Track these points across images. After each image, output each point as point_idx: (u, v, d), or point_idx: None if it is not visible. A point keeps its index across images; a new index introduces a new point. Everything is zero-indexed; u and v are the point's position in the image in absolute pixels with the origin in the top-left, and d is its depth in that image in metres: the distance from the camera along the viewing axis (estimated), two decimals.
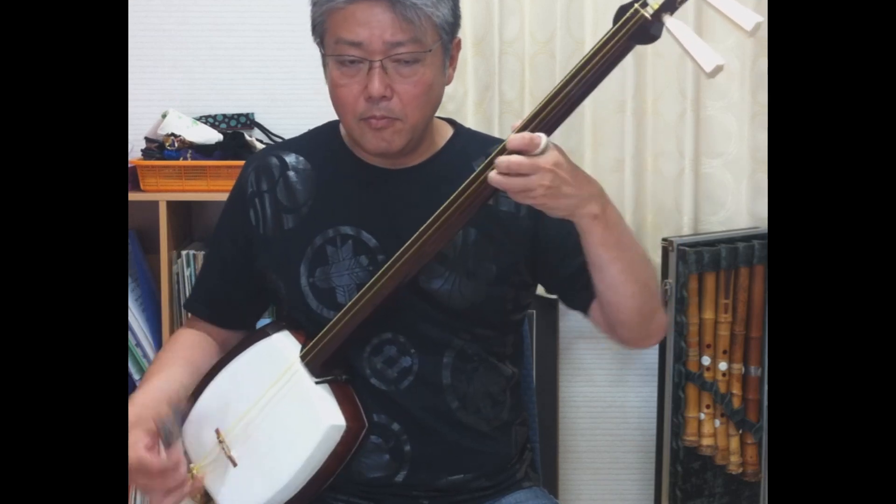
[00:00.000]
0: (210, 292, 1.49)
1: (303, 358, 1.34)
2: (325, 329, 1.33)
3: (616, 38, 1.14)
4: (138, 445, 1.24)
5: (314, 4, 1.30)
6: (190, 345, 1.47)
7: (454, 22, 1.31)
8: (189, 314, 1.53)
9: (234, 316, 1.51)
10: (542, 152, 1.15)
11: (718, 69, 1.10)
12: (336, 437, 1.32)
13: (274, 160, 1.42)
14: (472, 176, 1.23)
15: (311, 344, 1.34)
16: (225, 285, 1.47)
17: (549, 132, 1.19)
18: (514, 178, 1.15)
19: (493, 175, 1.16)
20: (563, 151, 1.18)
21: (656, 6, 1.12)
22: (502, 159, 1.15)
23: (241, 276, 1.45)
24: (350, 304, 1.31)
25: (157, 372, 1.40)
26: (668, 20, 1.13)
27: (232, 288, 1.47)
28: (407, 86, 1.27)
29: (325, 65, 1.33)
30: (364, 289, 1.30)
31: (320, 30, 1.31)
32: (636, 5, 1.13)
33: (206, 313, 1.49)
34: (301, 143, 1.45)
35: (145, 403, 1.31)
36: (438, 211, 1.24)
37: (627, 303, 1.28)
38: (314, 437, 1.31)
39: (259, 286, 1.46)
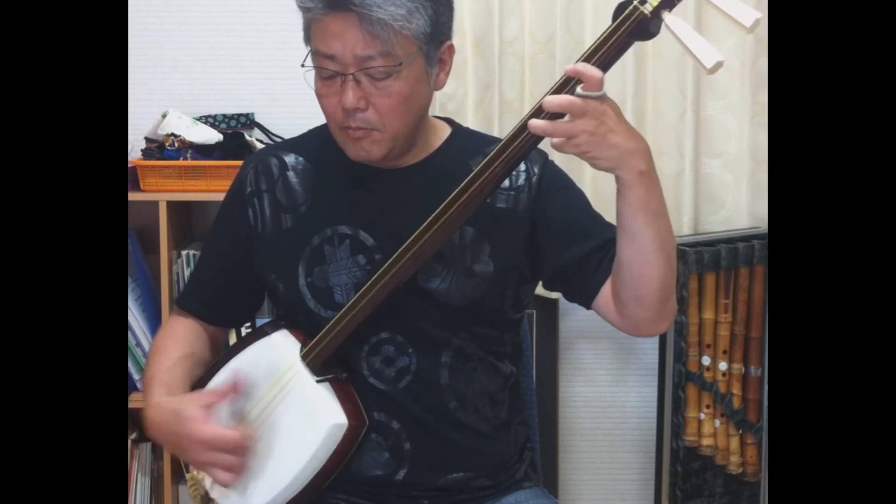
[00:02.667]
0: (206, 290, 1.48)
1: (303, 357, 1.34)
2: (325, 328, 1.33)
3: (615, 35, 1.14)
4: (204, 422, 1.28)
5: (302, 13, 1.31)
6: (191, 335, 1.47)
7: (433, 31, 1.29)
8: (178, 310, 1.52)
9: (227, 315, 1.51)
10: (599, 98, 1.14)
11: (718, 65, 1.10)
12: (338, 436, 1.32)
13: (273, 160, 1.42)
14: (472, 174, 1.22)
15: (312, 343, 1.34)
16: (222, 283, 1.47)
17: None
18: (557, 123, 1.13)
19: (534, 121, 1.15)
20: (614, 104, 1.17)
21: (655, 3, 1.12)
22: (551, 98, 1.13)
23: (239, 274, 1.45)
24: (351, 303, 1.31)
25: (168, 364, 1.41)
26: (667, 17, 1.13)
27: (229, 286, 1.47)
28: (382, 98, 1.27)
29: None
30: (365, 288, 1.30)
31: (307, 36, 1.32)
32: (635, 2, 1.13)
33: (201, 311, 1.48)
34: (300, 143, 1.46)
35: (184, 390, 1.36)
36: (439, 210, 1.24)
37: (653, 275, 1.25)
38: (317, 436, 1.31)
39: (255, 285, 1.46)
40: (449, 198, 1.24)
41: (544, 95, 1.16)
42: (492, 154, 1.21)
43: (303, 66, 1.31)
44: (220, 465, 1.29)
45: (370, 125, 1.28)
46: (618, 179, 1.20)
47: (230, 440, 1.28)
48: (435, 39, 1.30)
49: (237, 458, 1.29)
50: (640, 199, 1.20)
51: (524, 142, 1.20)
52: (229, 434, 1.29)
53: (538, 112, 1.16)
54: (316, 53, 1.28)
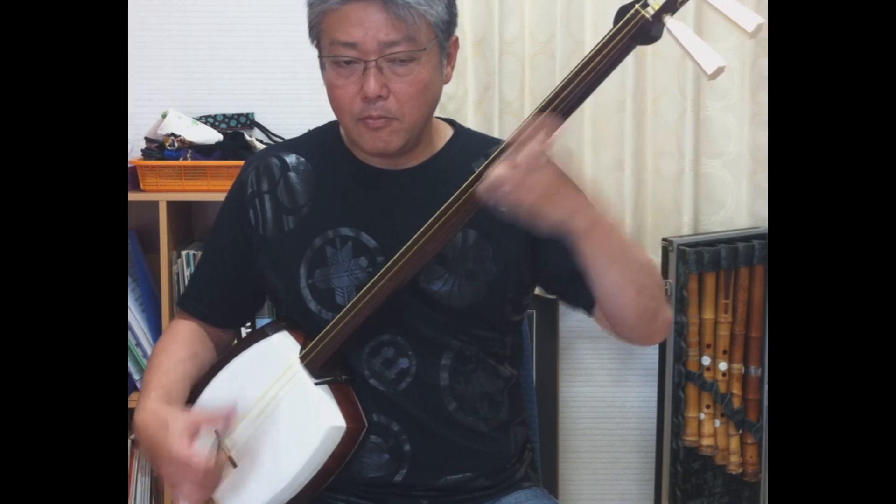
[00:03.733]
0: (207, 291, 1.48)
1: (302, 359, 1.34)
2: (324, 330, 1.32)
3: (617, 39, 1.14)
4: (184, 441, 1.27)
5: (309, 6, 1.31)
6: (193, 338, 1.47)
7: (450, 20, 1.31)
8: (180, 311, 1.52)
9: (229, 315, 1.51)
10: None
11: (720, 70, 1.10)
12: (336, 439, 1.32)
13: (275, 161, 1.42)
14: (473, 176, 1.22)
15: (311, 345, 1.34)
16: (223, 284, 1.47)
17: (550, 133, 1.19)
18: (515, 173, 1.13)
19: (481, 187, 1.15)
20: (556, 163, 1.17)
21: (657, 7, 1.12)
22: (486, 188, 1.14)
23: (240, 274, 1.45)
24: (350, 304, 1.31)
25: (169, 365, 1.41)
26: (669, 21, 1.12)
27: (230, 287, 1.47)
28: (403, 85, 1.27)
29: (322, 66, 1.33)
30: (364, 289, 1.30)
31: (316, 31, 1.31)
32: (637, 6, 1.13)
33: (201, 312, 1.48)
34: (301, 144, 1.45)
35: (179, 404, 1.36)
36: (438, 212, 1.24)
37: (628, 305, 1.27)
38: (314, 439, 1.31)
39: (256, 286, 1.46)
40: (449, 200, 1.24)
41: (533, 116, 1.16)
42: (491, 157, 1.21)
43: (320, 57, 1.31)
44: (186, 483, 1.29)
45: (390, 114, 1.28)
46: (570, 232, 1.20)
47: (196, 469, 1.27)
48: (449, 29, 1.31)
49: (199, 475, 1.28)
50: (595, 247, 1.21)
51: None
52: (198, 462, 1.27)
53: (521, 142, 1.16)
54: (333, 43, 1.27)
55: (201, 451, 1.27)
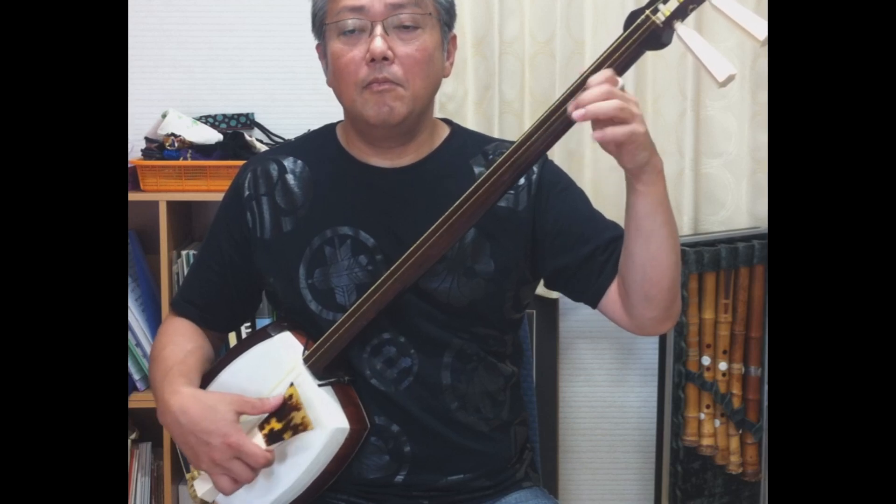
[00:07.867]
0: (202, 294, 1.47)
1: (306, 360, 1.34)
2: (328, 332, 1.32)
3: (627, 45, 1.14)
4: (238, 427, 1.28)
5: None
6: (195, 332, 1.46)
7: (450, 5, 1.34)
8: (173, 314, 1.50)
9: (224, 318, 1.50)
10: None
11: (730, 78, 1.10)
12: (340, 440, 1.32)
13: (272, 164, 1.42)
14: (481, 179, 1.22)
15: (315, 346, 1.33)
16: (219, 286, 1.46)
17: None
18: (615, 104, 1.12)
19: (579, 109, 1.13)
20: None
21: (668, 13, 1.12)
22: (597, 89, 1.12)
23: (237, 278, 1.44)
24: (354, 307, 1.31)
25: (181, 355, 1.40)
26: (680, 27, 1.12)
27: (226, 289, 1.46)
28: (408, 50, 1.29)
29: (324, 56, 1.34)
30: (369, 292, 1.30)
31: (321, 14, 1.32)
32: (647, 12, 1.13)
33: (196, 315, 1.47)
34: (298, 146, 1.45)
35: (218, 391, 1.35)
36: (445, 215, 1.24)
37: (664, 274, 1.26)
38: (318, 440, 1.31)
39: (252, 289, 1.46)
40: (458, 201, 1.24)
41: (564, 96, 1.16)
42: (500, 159, 1.21)
43: (324, 23, 1.32)
44: (233, 473, 1.28)
45: (395, 78, 1.29)
46: (639, 178, 1.21)
47: (260, 458, 1.27)
48: (450, 15, 1.34)
49: (252, 473, 1.28)
50: (659, 196, 1.22)
51: (535, 145, 1.19)
52: (261, 452, 1.27)
53: (558, 109, 1.17)
54: (340, 12, 1.29)
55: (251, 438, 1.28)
